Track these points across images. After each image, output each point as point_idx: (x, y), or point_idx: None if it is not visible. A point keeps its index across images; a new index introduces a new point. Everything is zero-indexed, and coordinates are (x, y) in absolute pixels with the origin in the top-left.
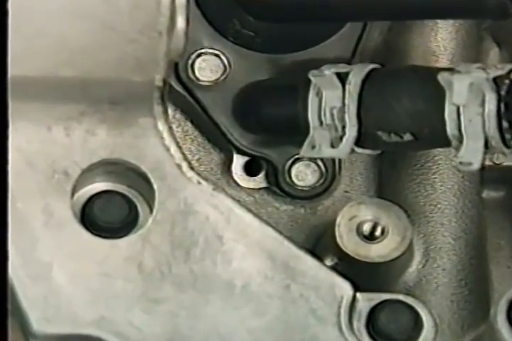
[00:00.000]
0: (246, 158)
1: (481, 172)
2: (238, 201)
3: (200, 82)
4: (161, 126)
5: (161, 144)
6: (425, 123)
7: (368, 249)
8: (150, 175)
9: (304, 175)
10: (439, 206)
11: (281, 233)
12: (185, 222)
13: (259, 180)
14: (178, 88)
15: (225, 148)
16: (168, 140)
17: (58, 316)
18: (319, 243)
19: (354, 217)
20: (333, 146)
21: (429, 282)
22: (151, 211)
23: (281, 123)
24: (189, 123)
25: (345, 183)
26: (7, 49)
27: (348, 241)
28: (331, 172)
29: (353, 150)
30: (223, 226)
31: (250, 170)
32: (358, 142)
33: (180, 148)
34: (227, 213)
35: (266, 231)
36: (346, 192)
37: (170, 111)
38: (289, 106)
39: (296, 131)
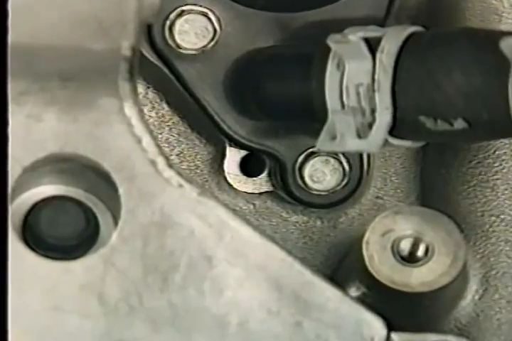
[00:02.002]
0: (243, 153)
1: None
2: (233, 210)
3: (182, 51)
4: (129, 109)
5: (128, 134)
6: (483, 105)
7: (408, 275)
8: (114, 176)
9: (320, 174)
10: (502, 217)
11: (290, 253)
12: (161, 239)
13: (260, 182)
14: (152, 58)
15: (215, 138)
16: (138, 128)
17: None
18: (342, 266)
19: (388, 232)
20: (359, 136)
21: (489, 319)
22: (116, 223)
23: (289, 106)
24: (166, 106)
25: (377, 186)
26: (7, 48)
27: (380, 264)
28: (356, 171)
29: (386, 142)
30: (213, 243)
31: (249, 168)
32: (393, 131)
33: (154, 138)
34: (219, 226)
35: (270, 250)
36: (378, 198)
37: (141, 90)
38: (301, 82)
39: (309, 116)
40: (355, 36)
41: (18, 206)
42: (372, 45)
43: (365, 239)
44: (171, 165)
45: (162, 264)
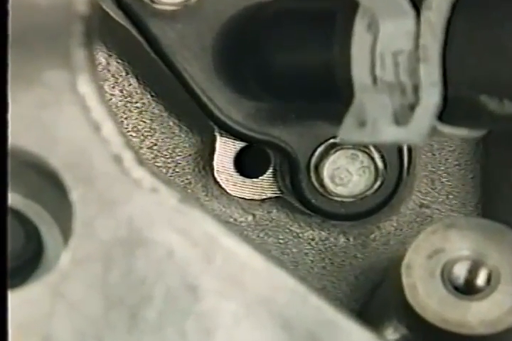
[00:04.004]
0: (239, 145)
1: None
2: (226, 222)
3: (157, 6)
4: (85, 85)
5: (84, 119)
6: None
7: (464, 311)
8: (65, 176)
9: (345, 174)
10: None
11: (304, 282)
12: (129, 261)
13: (262, 185)
14: (117, 16)
15: (201, 125)
16: (97, 111)
17: None
18: (374, 300)
19: (438, 253)
20: (397, 122)
21: None
22: (67, 241)
23: (302, 81)
24: (135, 81)
25: (422, 190)
26: (7, 50)
27: (426, 297)
28: (394, 170)
29: (434, 130)
30: (199, 268)
31: (247, 166)
32: (444, 114)
33: (118, 126)
34: (206, 245)
35: (276, 277)
36: (423, 206)
37: (101, 59)
38: (318, 49)
39: (330, 95)
40: None
41: None
42: None
43: (405, 262)
44: (141, 162)
45: (130, 296)
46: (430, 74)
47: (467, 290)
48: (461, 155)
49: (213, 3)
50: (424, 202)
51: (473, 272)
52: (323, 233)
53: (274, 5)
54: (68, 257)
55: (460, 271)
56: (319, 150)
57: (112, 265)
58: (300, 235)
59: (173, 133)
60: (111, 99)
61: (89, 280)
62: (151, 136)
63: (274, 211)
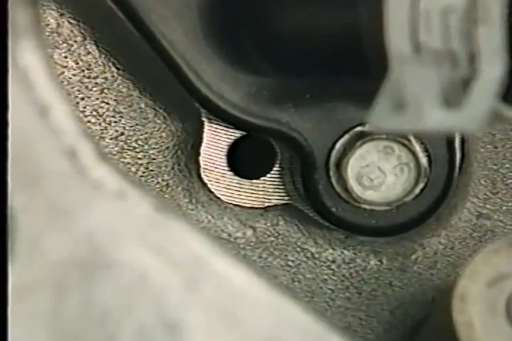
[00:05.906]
0: (235, 134)
1: None
2: (217, 238)
3: None
4: (28, 55)
5: (26, 101)
6: None
7: None
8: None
9: (376, 175)
10: None
11: (321, 317)
12: (88, 290)
13: (265, 188)
14: None
15: (185, 108)
16: (44, 90)
17: None
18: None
19: (501, 280)
20: (447, 104)
21: None
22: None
23: (319, 49)
24: (95, 49)
25: (480, 195)
26: (7, 50)
27: (485, 337)
28: (442, 168)
29: (496, 115)
30: (180, 299)
31: (245, 163)
32: (509, 93)
33: (74, 108)
34: (190, 268)
35: (284, 313)
36: (481, 216)
37: (50, 20)
38: (341, 5)
39: (356, 68)
40: None
41: None
42: None
43: (458, 292)
44: (103, 158)
45: (90, 335)
46: (491, 40)
47: None
48: None
49: None
50: (483, 211)
51: None
52: (347, 253)
53: None
54: (9, 285)
55: None
56: (342, 141)
57: (67, 294)
58: (316, 256)
59: (146, 118)
60: (63, 73)
61: (37, 315)
62: (116, 122)
63: (281, 223)
